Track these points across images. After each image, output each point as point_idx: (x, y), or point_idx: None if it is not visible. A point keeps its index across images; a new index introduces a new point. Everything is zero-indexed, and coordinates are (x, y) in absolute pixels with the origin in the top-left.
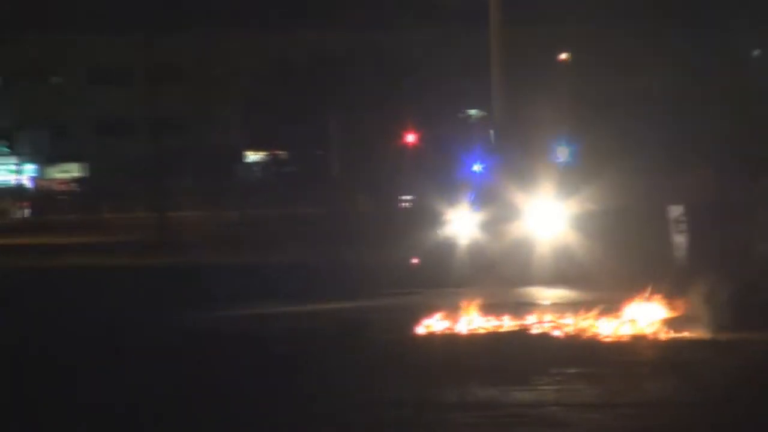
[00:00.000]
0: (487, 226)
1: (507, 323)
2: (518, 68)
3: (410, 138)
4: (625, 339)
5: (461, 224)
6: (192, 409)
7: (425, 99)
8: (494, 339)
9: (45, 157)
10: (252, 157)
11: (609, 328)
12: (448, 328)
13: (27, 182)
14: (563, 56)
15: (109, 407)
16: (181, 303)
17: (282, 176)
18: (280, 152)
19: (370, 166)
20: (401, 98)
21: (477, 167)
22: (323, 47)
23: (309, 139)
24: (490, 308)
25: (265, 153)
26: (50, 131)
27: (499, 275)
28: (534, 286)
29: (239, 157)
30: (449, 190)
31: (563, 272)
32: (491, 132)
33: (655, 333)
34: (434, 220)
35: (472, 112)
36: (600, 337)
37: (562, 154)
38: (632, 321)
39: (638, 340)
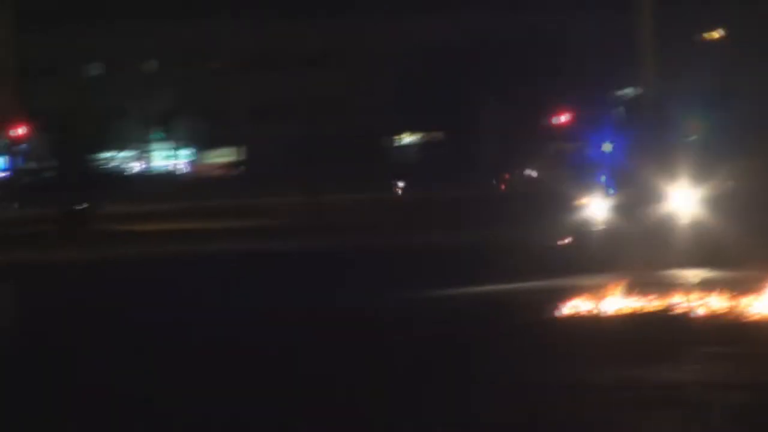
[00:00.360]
0: (625, 210)
1: (650, 304)
2: (667, 47)
3: (562, 119)
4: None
5: (598, 208)
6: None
7: (577, 79)
8: (638, 319)
9: (201, 142)
10: (406, 139)
11: (754, 307)
12: (593, 310)
13: (184, 167)
14: (712, 34)
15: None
16: (333, 287)
17: (435, 158)
18: (434, 134)
19: (520, 148)
20: (553, 79)
21: (607, 147)
22: (478, 30)
23: (462, 120)
24: (633, 289)
25: (419, 135)
26: (206, 116)
27: (639, 258)
28: (676, 268)
29: (393, 140)
30: (583, 172)
31: (705, 254)
32: (621, 109)
33: None
34: (570, 203)
35: (626, 91)
36: (745, 316)
37: (695, 129)
38: None
39: None
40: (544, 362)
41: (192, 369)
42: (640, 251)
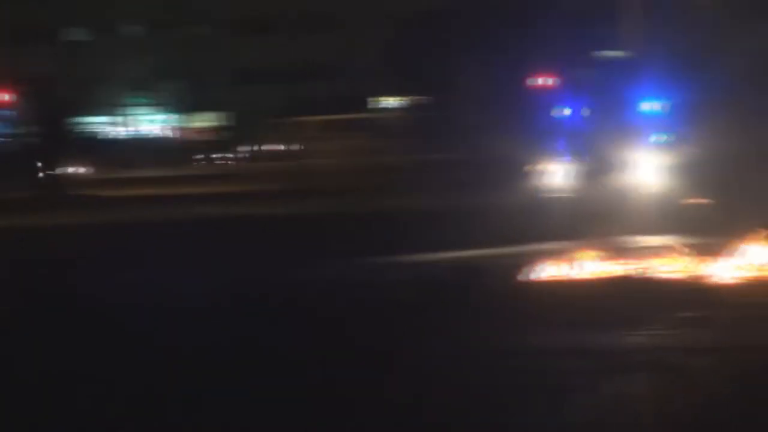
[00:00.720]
0: (587, 176)
1: (617, 269)
2: (649, 8)
3: (539, 81)
4: (738, 282)
5: (560, 173)
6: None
7: (555, 41)
8: (606, 285)
9: (185, 107)
10: (387, 102)
11: (721, 271)
12: (558, 276)
13: (166, 132)
14: None
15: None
16: (312, 252)
17: (414, 122)
18: (414, 98)
19: (498, 112)
20: (531, 41)
21: (567, 111)
22: None
23: (442, 84)
24: (599, 256)
25: (399, 99)
26: (190, 81)
27: (602, 225)
28: (640, 235)
29: (375, 104)
30: (542, 136)
31: (671, 219)
32: (593, 72)
33: None
34: (528, 169)
35: (605, 54)
36: (712, 281)
37: (657, 105)
38: (745, 264)
39: (753, 283)
40: (514, 328)
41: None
42: (601, 217)
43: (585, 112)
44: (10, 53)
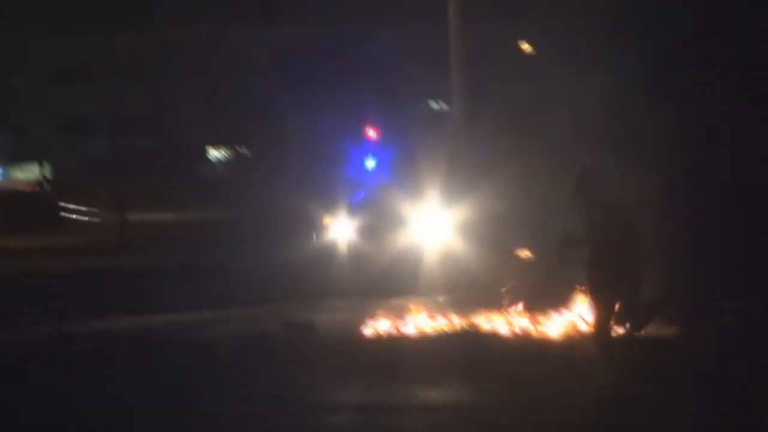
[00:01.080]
0: (371, 232)
1: (416, 326)
2: (479, 62)
3: (371, 134)
4: (519, 339)
5: (342, 230)
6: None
7: (386, 94)
8: (411, 342)
9: (6, 158)
10: (215, 154)
11: (507, 330)
12: (356, 334)
13: None
14: (523, 48)
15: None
16: (116, 308)
17: (241, 175)
18: (242, 150)
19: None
20: (361, 94)
21: (370, 164)
22: (285, 43)
23: (269, 136)
24: (393, 314)
25: (227, 151)
26: (11, 131)
27: (385, 284)
28: (428, 295)
29: (202, 155)
30: (335, 191)
31: (455, 281)
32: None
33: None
34: (315, 224)
35: (435, 106)
36: (500, 338)
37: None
38: (524, 325)
39: (544, 341)
40: (304, 385)
41: None
42: (384, 278)
43: (382, 167)
44: None
